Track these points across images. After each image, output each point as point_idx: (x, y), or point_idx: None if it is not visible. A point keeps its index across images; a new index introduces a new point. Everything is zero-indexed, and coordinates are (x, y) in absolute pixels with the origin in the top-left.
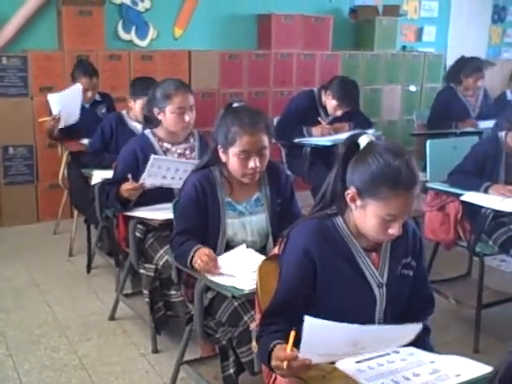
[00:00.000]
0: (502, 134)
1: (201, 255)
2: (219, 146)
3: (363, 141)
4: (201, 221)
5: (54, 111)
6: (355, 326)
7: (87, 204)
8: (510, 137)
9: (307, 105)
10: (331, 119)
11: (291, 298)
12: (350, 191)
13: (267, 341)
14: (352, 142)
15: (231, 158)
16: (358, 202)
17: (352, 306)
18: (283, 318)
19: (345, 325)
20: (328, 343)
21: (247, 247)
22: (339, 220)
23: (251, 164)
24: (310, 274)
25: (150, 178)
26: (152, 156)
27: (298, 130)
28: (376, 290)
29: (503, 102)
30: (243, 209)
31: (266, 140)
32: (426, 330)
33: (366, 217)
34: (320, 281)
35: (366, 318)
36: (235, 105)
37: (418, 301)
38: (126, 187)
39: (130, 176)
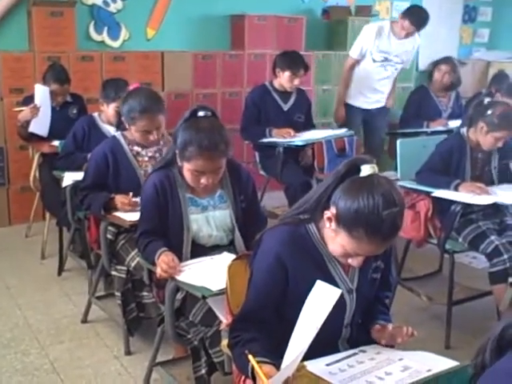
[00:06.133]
0: (464, 129)
1: (160, 263)
2: (177, 151)
3: (365, 170)
4: (163, 220)
5: (37, 101)
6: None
7: (59, 206)
8: (472, 132)
9: (261, 95)
10: (291, 105)
11: (263, 303)
12: (330, 212)
13: (244, 353)
14: (354, 166)
15: (185, 170)
16: (333, 225)
17: None
18: (256, 323)
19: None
20: None
21: (213, 242)
22: (312, 227)
23: (203, 181)
24: (282, 281)
25: None
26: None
27: (260, 131)
28: (346, 296)
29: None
30: (206, 203)
31: (222, 161)
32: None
33: (335, 241)
34: (291, 287)
35: (334, 324)
36: (200, 113)
37: (381, 291)
38: (122, 200)
39: (131, 194)
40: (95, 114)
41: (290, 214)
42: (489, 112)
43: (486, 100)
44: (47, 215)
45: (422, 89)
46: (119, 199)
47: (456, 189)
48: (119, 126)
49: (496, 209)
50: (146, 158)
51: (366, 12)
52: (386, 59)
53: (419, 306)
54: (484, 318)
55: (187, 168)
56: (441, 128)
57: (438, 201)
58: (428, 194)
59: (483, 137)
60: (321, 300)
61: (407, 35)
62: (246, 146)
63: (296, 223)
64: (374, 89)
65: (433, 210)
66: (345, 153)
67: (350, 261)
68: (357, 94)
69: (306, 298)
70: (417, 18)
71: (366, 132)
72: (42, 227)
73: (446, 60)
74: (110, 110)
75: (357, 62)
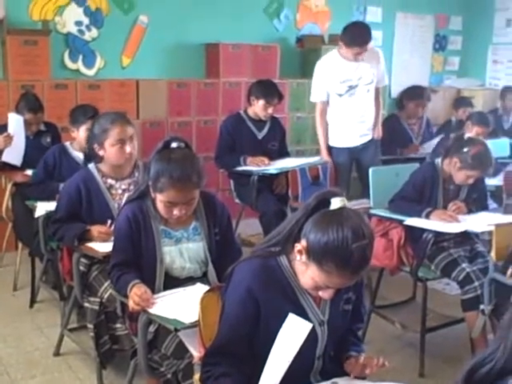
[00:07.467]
0: (439, 160)
1: (133, 296)
2: (150, 183)
3: (335, 203)
4: (136, 252)
5: (10, 130)
6: None
7: (31, 236)
8: (446, 163)
9: (236, 124)
10: (265, 134)
11: (235, 337)
12: (300, 245)
13: None
14: (324, 199)
15: (158, 201)
16: (304, 258)
17: None
18: (227, 357)
19: None
20: None
21: (187, 274)
22: (283, 259)
23: (176, 212)
24: (253, 314)
25: None
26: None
27: (235, 160)
28: (318, 329)
29: (448, 129)
30: (180, 235)
31: (195, 192)
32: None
33: (305, 274)
34: (262, 320)
35: (306, 356)
36: (173, 144)
37: (353, 322)
38: (99, 229)
39: (109, 222)
40: (67, 143)
41: (261, 247)
42: (465, 150)
43: (466, 135)
44: (20, 245)
45: (393, 117)
46: (96, 228)
47: (427, 217)
48: (89, 159)
49: (467, 236)
50: (120, 191)
51: (338, 41)
52: (350, 87)
53: (393, 334)
54: (457, 346)
55: (160, 199)
56: (414, 155)
57: (410, 229)
58: (400, 222)
59: (456, 171)
60: (292, 333)
61: (357, 56)
62: (221, 174)
63: (267, 256)
64: (352, 121)
65: (405, 238)
66: (319, 181)
67: (320, 293)
68: (338, 135)
69: (277, 330)
70: (350, 37)
71: (359, 171)
72: (15, 257)
73: (420, 95)
74: (80, 132)
75: (326, 104)
